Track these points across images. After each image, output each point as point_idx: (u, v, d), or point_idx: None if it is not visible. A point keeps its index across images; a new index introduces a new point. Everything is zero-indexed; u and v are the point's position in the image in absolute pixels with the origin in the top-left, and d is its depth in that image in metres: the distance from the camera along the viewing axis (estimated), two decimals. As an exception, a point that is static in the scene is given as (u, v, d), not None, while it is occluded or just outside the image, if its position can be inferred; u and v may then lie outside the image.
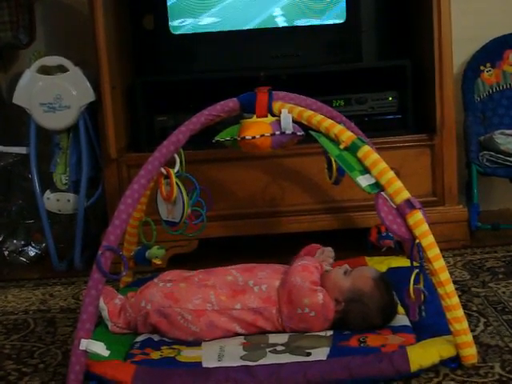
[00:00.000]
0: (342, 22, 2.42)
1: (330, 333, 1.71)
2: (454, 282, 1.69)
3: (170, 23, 2.43)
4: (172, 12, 2.42)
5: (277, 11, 2.43)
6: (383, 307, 1.71)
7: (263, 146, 1.77)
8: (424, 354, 1.53)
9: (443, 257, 1.55)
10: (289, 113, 1.75)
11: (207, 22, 2.44)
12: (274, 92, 1.80)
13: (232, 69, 2.44)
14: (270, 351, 1.64)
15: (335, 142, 1.66)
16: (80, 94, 2.39)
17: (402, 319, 1.74)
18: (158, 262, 1.97)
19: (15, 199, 2.72)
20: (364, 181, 1.60)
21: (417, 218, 1.55)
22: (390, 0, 2.57)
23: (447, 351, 1.54)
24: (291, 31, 2.44)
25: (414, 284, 1.57)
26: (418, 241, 1.54)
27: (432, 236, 1.55)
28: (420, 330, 1.66)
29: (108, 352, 1.54)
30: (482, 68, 2.69)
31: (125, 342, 1.74)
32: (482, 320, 1.80)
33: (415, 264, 1.56)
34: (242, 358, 1.61)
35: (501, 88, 2.69)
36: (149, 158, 1.71)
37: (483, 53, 2.70)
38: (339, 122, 1.76)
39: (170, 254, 2.37)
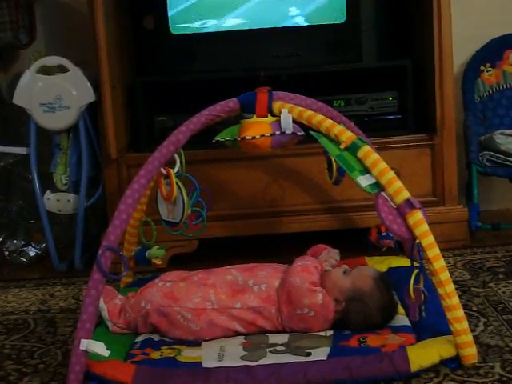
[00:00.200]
0: (342, 22, 2.42)
1: (330, 333, 1.71)
2: (454, 282, 1.68)
3: (170, 23, 2.43)
4: (172, 12, 2.42)
5: (277, 11, 2.43)
6: (383, 306, 1.71)
7: (263, 146, 1.77)
8: (424, 354, 1.53)
9: (443, 257, 1.55)
10: (289, 113, 1.75)
11: (207, 22, 2.44)
12: (274, 92, 1.80)
13: (232, 69, 2.44)
14: (270, 351, 1.64)
15: (335, 142, 1.66)
16: (80, 94, 2.39)
17: (401, 319, 1.74)
18: (158, 262, 1.97)
19: (15, 199, 2.72)
20: (364, 181, 1.60)
21: (417, 217, 1.55)
22: (390, 0, 2.57)
23: (447, 351, 1.54)
24: (291, 31, 2.44)
25: (414, 284, 1.57)
26: (418, 241, 1.54)
27: (432, 236, 1.55)
28: (420, 330, 1.66)
29: (108, 352, 1.54)
30: (482, 68, 2.69)
31: (125, 342, 1.74)
32: (482, 320, 1.80)
33: (415, 264, 1.56)
34: (242, 358, 1.61)
35: (501, 88, 2.69)
36: (149, 158, 1.71)
37: (483, 53, 2.70)
38: (339, 122, 1.76)
39: (170, 254, 2.37)
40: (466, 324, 1.54)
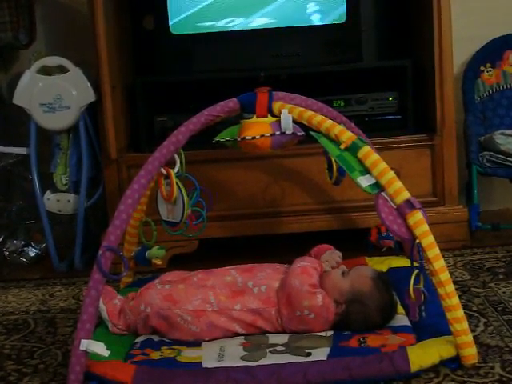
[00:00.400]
0: (342, 22, 2.42)
1: (330, 333, 1.71)
2: (454, 283, 1.68)
3: (170, 23, 2.43)
4: (172, 12, 2.42)
5: (277, 11, 2.43)
6: (383, 306, 1.71)
7: (263, 147, 1.77)
8: (424, 355, 1.52)
9: (443, 257, 1.55)
10: (289, 113, 1.75)
11: (207, 22, 2.44)
12: (274, 92, 1.80)
13: (232, 69, 2.44)
14: (270, 351, 1.64)
15: (336, 142, 1.66)
16: (80, 94, 2.39)
17: (401, 319, 1.74)
18: (158, 262, 1.97)
19: (15, 200, 2.72)
20: (364, 181, 1.60)
21: (417, 218, 1.55)
22: (390, 0, 2.57)
23: (447, 351, 1.54)
24: (291, 31, 2.44)
25: (414, 284, 1.57)
26: (418, 241, 1.54)
27: (432, 236, 1.55)
28: (420, 330, 1.66)
29: (108, 352, 1.54)
30: (482, 68, 2.69)
31: (125, 342, 1.74)
32: (483, 320, 1.80)
33: (415, 264, 1.56)
34: (242, 358, 1.61)
35: (501, 88, 2.69)
36: (149, 158, 1.71)
37: (483, 53, 2.70)
38: (339, 123, 1.76)
39: (170, 254, 2.37)
40: (466, 324, 1.54)
